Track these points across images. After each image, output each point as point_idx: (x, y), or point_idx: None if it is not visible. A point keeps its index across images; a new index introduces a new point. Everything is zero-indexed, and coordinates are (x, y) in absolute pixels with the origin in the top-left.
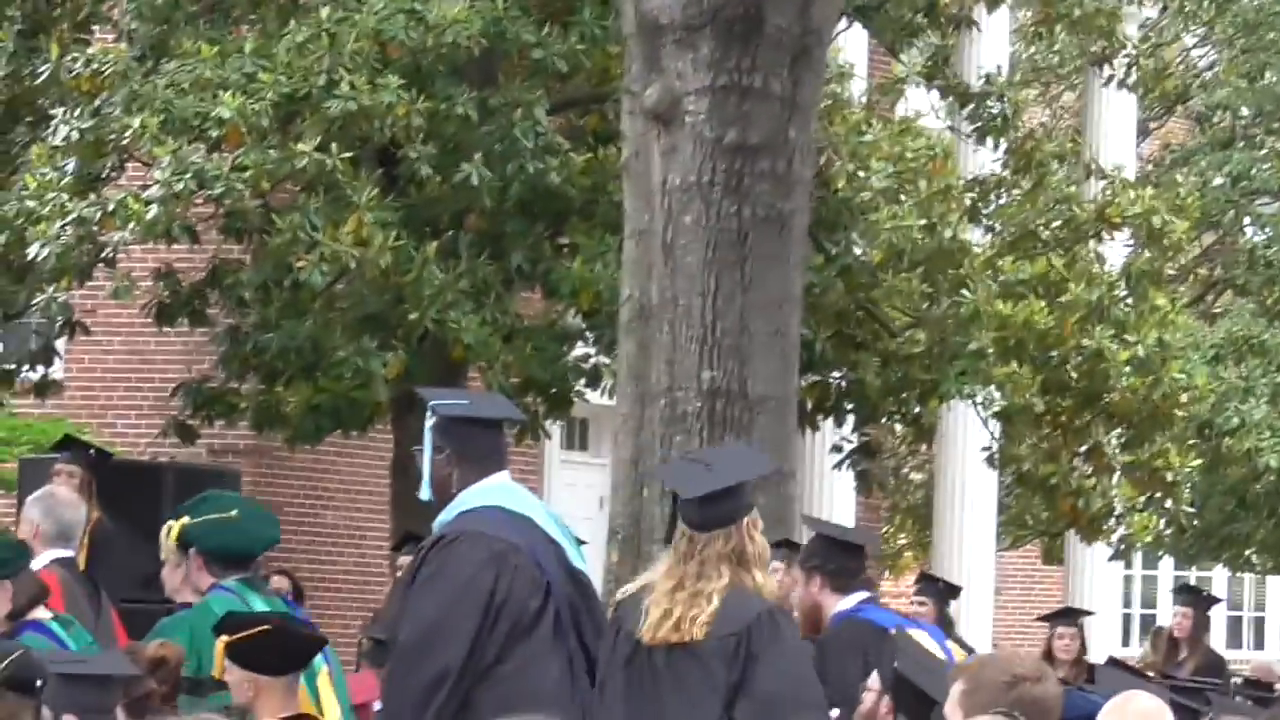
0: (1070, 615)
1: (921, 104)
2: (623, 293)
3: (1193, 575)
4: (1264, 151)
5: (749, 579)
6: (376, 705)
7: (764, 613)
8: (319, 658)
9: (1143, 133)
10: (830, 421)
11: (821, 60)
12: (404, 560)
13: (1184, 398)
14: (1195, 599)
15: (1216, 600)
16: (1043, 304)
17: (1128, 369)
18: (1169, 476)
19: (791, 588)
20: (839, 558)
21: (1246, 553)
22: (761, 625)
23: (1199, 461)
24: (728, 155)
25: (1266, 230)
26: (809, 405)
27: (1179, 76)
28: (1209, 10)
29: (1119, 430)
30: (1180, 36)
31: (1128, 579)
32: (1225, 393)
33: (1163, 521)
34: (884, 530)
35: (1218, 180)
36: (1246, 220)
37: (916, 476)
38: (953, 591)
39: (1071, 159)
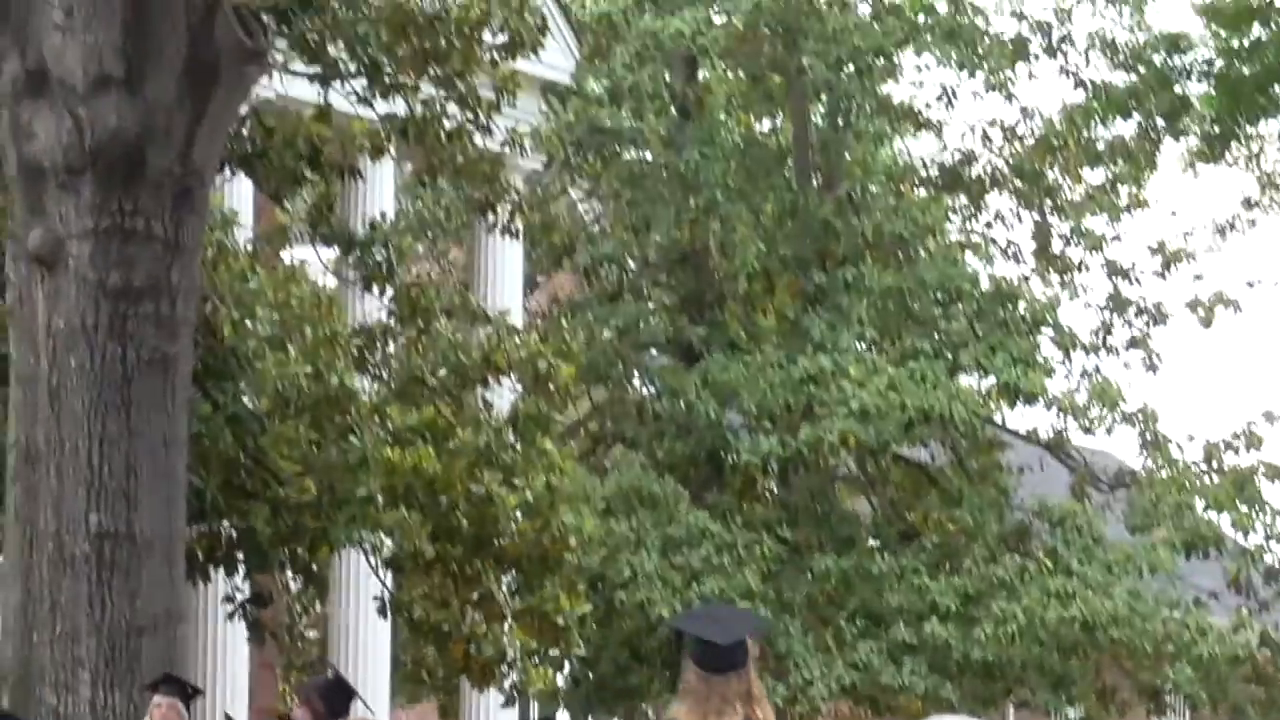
0: None
1: (308, 252)
2: (10, 437)
3: None
4: (651, 304)
5: (757, 713)
6: None
7: None
8: None
9: (531, 285)
10: (223, 571)
11: (204, 201)
12: None
13: (573, 541)
14: None
15: None
16: (431, 450)
17: (517, 513)
18: (560, 621)
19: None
20: None
21: (641, 705)
22: None
23: (590, 609)
24: (111, 298)
25: (655, 383)
26: (200, 555)
27: (566, 230)
28: (594, 164)
29: (511, 576)
30: (567, 190)
31: None
32: (616, 545)
33: (559, 677)
34: (280, 688)
35: (606, 333)
36: (635, 373)
37: (312, 634)
38: None
39: (460, 311)
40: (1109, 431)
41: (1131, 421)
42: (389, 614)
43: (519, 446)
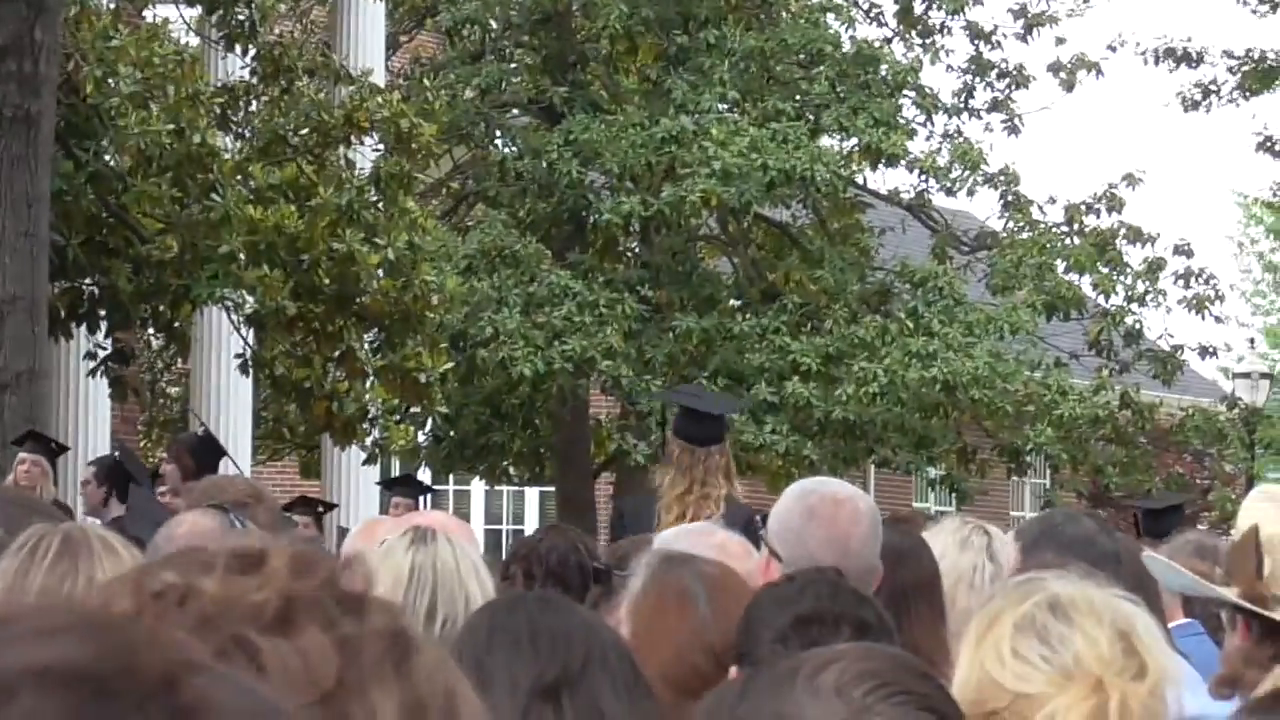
0: (307, 503)
1: (171, 10)
2: None
3: (450, 487)
4: (514, 65)
5: (734, 489)
6: None
7: (761, 517)
8: None
9: (393, 47)
10: (85, 329)
11: None
12: None
13: (435, 299)
14: (413, 489)
15: (430, 489)
16: (293, 208)
17: (379, 271)
18: (422, 378)
19: (42, 480)
20: None
21: (503, 464)
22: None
23: (451, 366)
24: None
25: (517, 143)
26: (62, 312)
27: None
28: None
29: (372, 334)
30: None
31: (388, 497)
32: (479, 303)
33: (420, 434)
34: (142, 444)
35: (468, 93)
36: (497, 133)
37: (174, 390)
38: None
39: (322, 71)
40: (970, 193)
41: (993, 183)
42: (250, 371)
43: (381, 205)
